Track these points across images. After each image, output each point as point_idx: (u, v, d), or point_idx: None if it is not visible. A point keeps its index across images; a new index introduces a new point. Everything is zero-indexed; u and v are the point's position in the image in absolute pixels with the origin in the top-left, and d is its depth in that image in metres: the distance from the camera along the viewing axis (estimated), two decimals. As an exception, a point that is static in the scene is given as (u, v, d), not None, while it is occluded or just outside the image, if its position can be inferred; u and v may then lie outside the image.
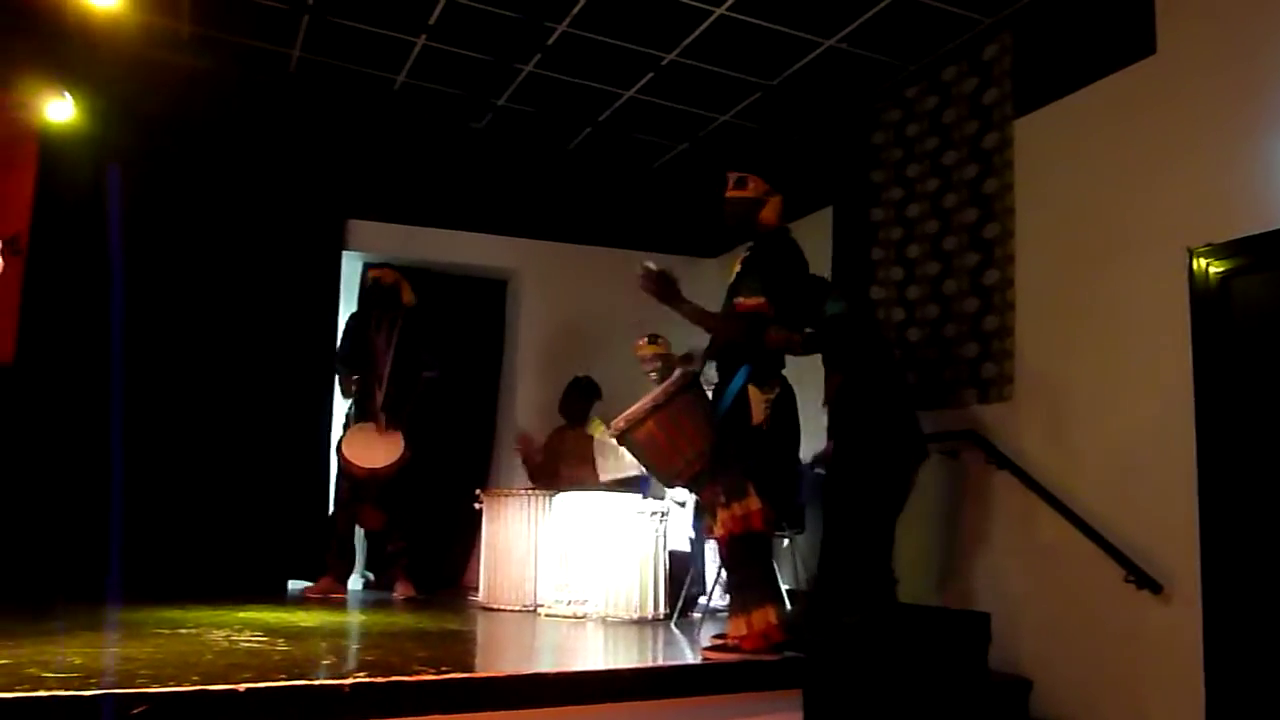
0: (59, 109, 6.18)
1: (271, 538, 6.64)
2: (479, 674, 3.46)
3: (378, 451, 6.25)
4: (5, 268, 6.15)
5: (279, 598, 6.14)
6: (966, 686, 5.17)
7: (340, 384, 6.59)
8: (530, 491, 5.92)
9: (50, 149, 6.33)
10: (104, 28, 5.76)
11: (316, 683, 3.06)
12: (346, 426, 6.48)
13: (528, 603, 5.62)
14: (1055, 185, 5.47)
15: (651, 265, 4.14)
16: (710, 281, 6.44)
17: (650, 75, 6.72)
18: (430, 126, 7.49)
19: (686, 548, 5.85)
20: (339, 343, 6.72)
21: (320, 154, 7.13)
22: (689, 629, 5.17)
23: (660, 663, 4.14)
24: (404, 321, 6.55)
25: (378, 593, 6.70)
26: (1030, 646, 5.23)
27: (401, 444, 6.28)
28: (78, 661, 3.35)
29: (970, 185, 5.96)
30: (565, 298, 7.74)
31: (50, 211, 6.35)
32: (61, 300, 6.28)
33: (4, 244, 6.21)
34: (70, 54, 6.16)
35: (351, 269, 7.35)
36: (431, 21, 6.17)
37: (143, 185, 6.49)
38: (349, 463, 6.22)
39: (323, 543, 6.44)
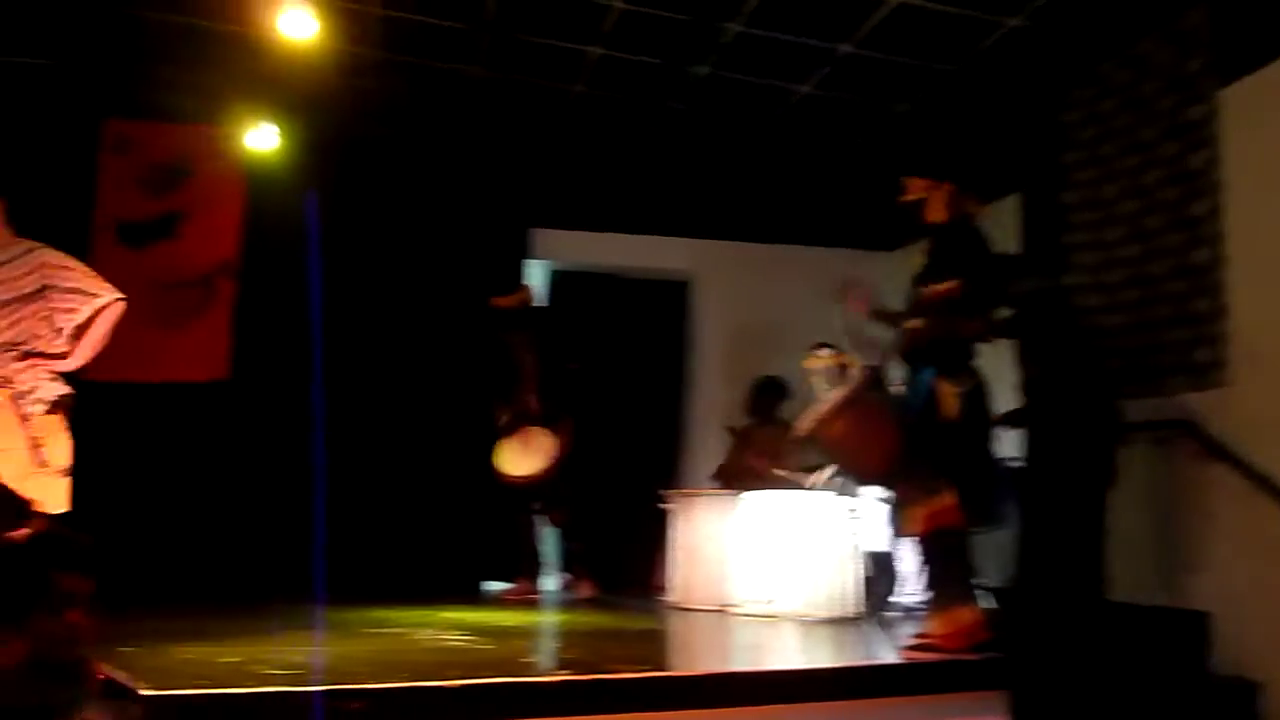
0: (263, 139, 6.56)
1: (465, 541, 6.83)
2: (677, 672, 3.48)
3: (528, 457, 6.31)
4: (219, 291, 6.58)
5: (476, 599, 6.32)
6: (1185, 689, 4.89)
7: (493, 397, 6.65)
8: (719, 491, 5.91)
9: (255, 178, 6.72)
10: (301, 59, 6.05)
11: (523, 680, 3.14)
12: (500, 435, 6.55)
13: (720, 602, 5.61)
14: (1270, 155, 5.12)
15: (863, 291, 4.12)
16: (893, 276, 6.30)
17: (826, 69, 6.63)
18: (608, 133, 7.58)
19: (884, 546, 5.72)
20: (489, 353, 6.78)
21: (503, 166, 7.32)
22: (887, 628, 5.07)
23: (859, 662, 4.07)
24: (536, 322, 6.61)
25: (569, 594, 6.81)
26: (1257, 647, 4.90)
27: (551, 444, 6.31)
28: (298, 659, 3.53)
29: (1171, 161, 5.64)
30: (747, 297, 7.71)
31: (257, 237, 6.74)
32: (269, 319, 6.63)
33: (218, 269, 6.65)
34: (272, 86, 6.49)
35: (536, 276, 7.50)
36: (606, 29, 6.26)
37: (337, 207, 6.78)
38: (502, 473, 6.33)
39: (512, 546, 6.58)
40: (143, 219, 6.63)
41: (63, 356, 4.20)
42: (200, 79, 6.50)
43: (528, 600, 6.27)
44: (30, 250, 4.24)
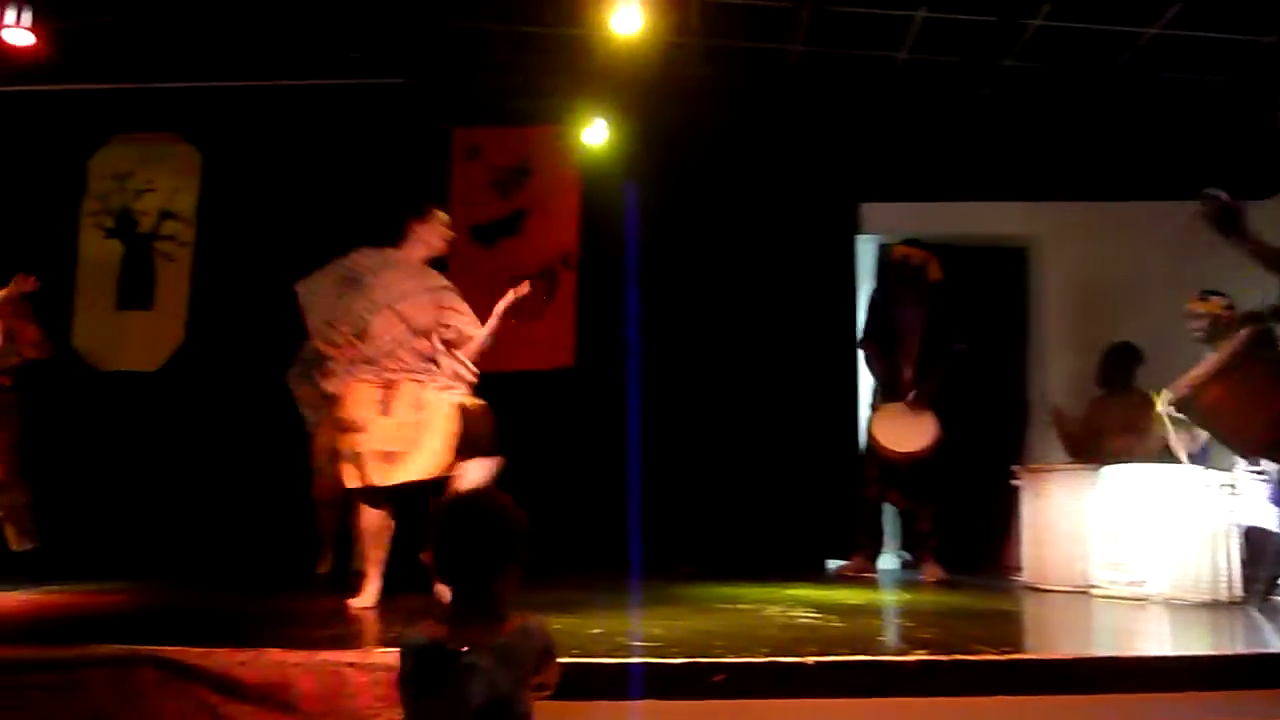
0: (595, 134, 6.85)
1: (806, 517, 6.85)
2: (1043, 655, 3.33)
3: (910, 434, 6.15)
4: (561, 282, 6.93)
5: (817, 575, 6.31)
6: None
7: (866, 361, 6.58)
8: (1073, 466, 5.60)
9: (589, 171, 7.03)
10: (628, 54, 6.25)
11: (881, 658, 3.10)
12: (874, 406, 6.49)
13: (1078, 583, 5.31)
14: None
15: (1216, 192, 3.71)
16: (1270, 225, 5.72)
17: (1178, 6, 6.10)
18: (936, 99, 7.32)
19: (1268, 523, 5.21)
20: (863, 321, 6.71)
21: (827, 142, 7.25)
22: (1272, 614, 4.62)
23: (1240, 650, 3.74)
24: (932, 298, 6.42)
25: (910, 573, 6.67)
26: None
27: (934, 426, 6.14)
28: (658, 632, 3.66)
29: None
30: (1094, 260, 7.23)
31: (593, 228, 7.05)
32: (607, 307, 6.91)
33: (559, 259, 7.01)
34: (602, 83, 6.75)
35: (865, 251, 7.39)
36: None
37: (666, 194, 6.98)
38: (881, 446, 6.20)
39: (853, 522, 6.52)
40: (492, 219, 7.11)
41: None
42: (538, 82, 6.87)
43: (864, 578, 6.20)
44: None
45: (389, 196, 6.83)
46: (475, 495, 2.41)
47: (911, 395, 6.23)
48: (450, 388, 4.59)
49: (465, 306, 4.71)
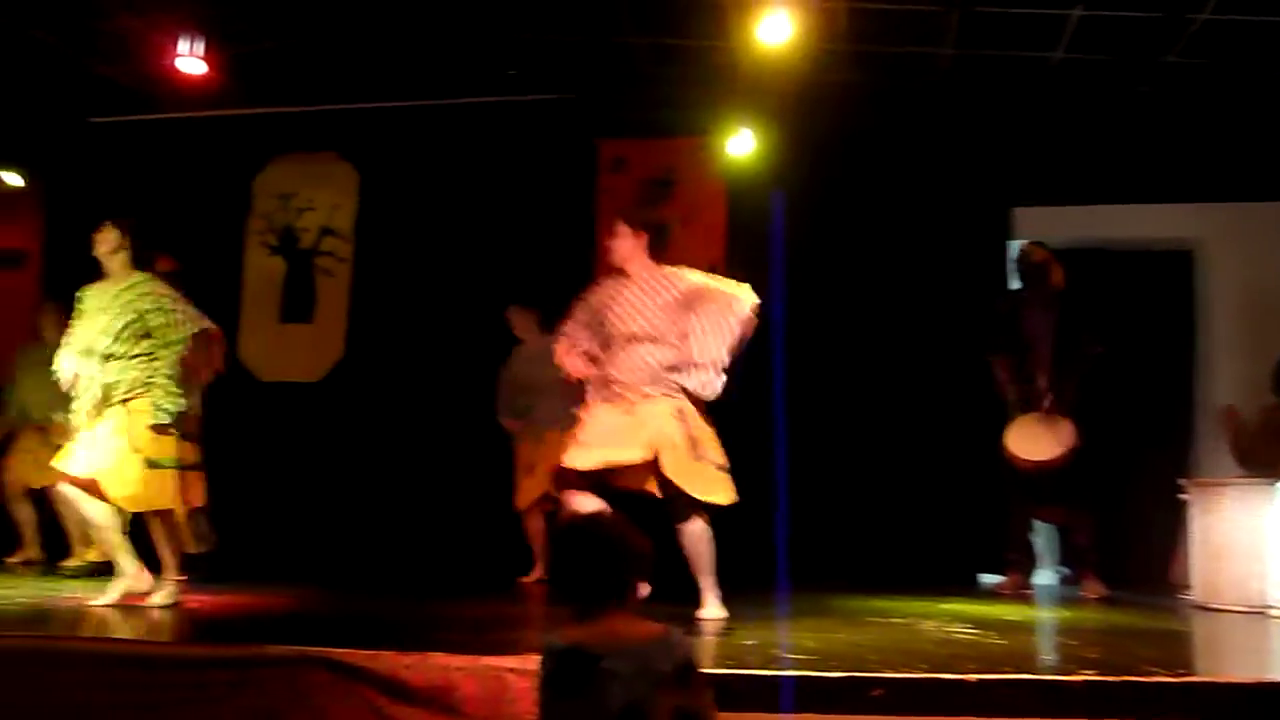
0: (741, 145, 6.85)
1: (957, 529, 6.69)
2: (1219, 678, 3.18)
3: (1044, 442, 5.94)
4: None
5: (970, 590, 6.17)
6: None
7: (995, 375, 6.36)
8: (1248, 480, 5.33)
9: (735, 182, 7.03)
10: (774, 63, 6.23)
11: (1046, 677, 3.01)
12: (1010, 416, 6.30)
13: (1254, 603, 5.05)
14: None
15: None
16: None
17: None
18: (1092, 99, 7.09)
19: None
20: (988, 332, 6.48)
21: (978, 146, 7.10)
22: None
23: None
24: (1062, 302, 6.19)
25: (1070, 589, 6.45)
26: None
27: (1070, 432, 5.92)
28: (811, 645, 3.63)
29: None
30: (1265, 261, 6.89)
31: (739, 238, 7.04)
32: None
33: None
34: (747, 93, 6.75)
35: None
36: (1089, -12, 5.88)
37: (811, 203, 6.91)
38: (1014, 456, 6.01)
39: (1002, 538, 6.34)
40: (640, 232, 7.14)
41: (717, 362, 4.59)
42: (683, 94, 6.92)
43: (1021, 595, 6.02)
44: (676, 271, 4.69)
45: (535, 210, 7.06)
46: (591, 519, 2.46)
47: (1047, 402, 6.02)
48: None
49: None
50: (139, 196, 7.32)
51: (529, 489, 6.24)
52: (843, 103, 7.00)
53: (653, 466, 4.37)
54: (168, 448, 4.68)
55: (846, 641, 3.80)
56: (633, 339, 4.53)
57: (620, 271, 4.75)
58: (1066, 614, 5.32)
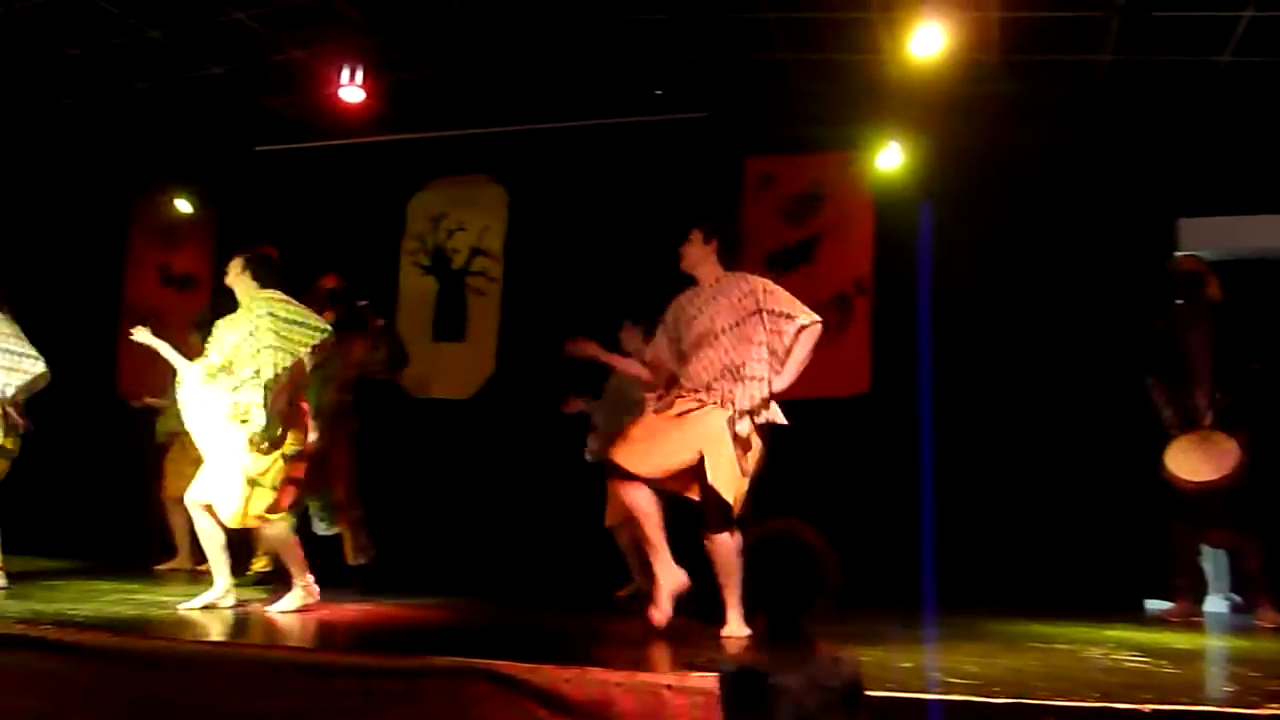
0: (889, 159, 6.77)
1: (1119, 554, 6.42)
2: None
3: (1206, 462, 5.63)
4: (856, 308, 6.87)
5: (1136, 616, 5.92)
6: None
7: (1151, 396, 6.07)
8: None
9: (883, 196, 6.94)
10: (922, 74, 6.14)
11: (1227, 710, 2.87)
12: (1170, 436, 6.02)
13: None
14: None
15: None
16: None
17: None
18: (1262, 104, 6.77)
19: None
20: (1144, 351, 6.19)
21: (1139, 155, 6.82)
22: None
23: None
24: (1219, 316, 5.89)
25: (1242, 617, 6.13)
26: None
27: (1234, 451, 5.61)
28: (973, 669, 3.54)
29: None
30: None
31: (888, 253, 6.95)
32: (902, 332, 6.78)
33: (852, 285, 6.95)
34: (895, 106, 6.67)
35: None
36: (1263, -13, 5.62)
37: (962, 216, 6.77)
38: (1175, 477, 5.73)
39: (1168, 563, 6.06)
40: (784, 247, 7.13)
41: (770, 379, 4.55)
42: (831, 109, 6.86)
43: (1190, 623, 5.74)
44: (744, 278, 4.70)
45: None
46: (787, 531, 2.45)
47: (1207, 420, 5.74)
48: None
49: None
50: (302, 220, 7.67)
51: (618, 506, 6.24)
52: (994, 113, 6.85)
53: (697, 472, 4.41)
54: (270, 467, 4.89)
55: (1008, 667, 3.69)
56: (695, 345, 4.61)
57: (693, 280, 4.85)
58: (1241, 643, 5.05)
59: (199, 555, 6.80)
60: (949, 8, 5.46)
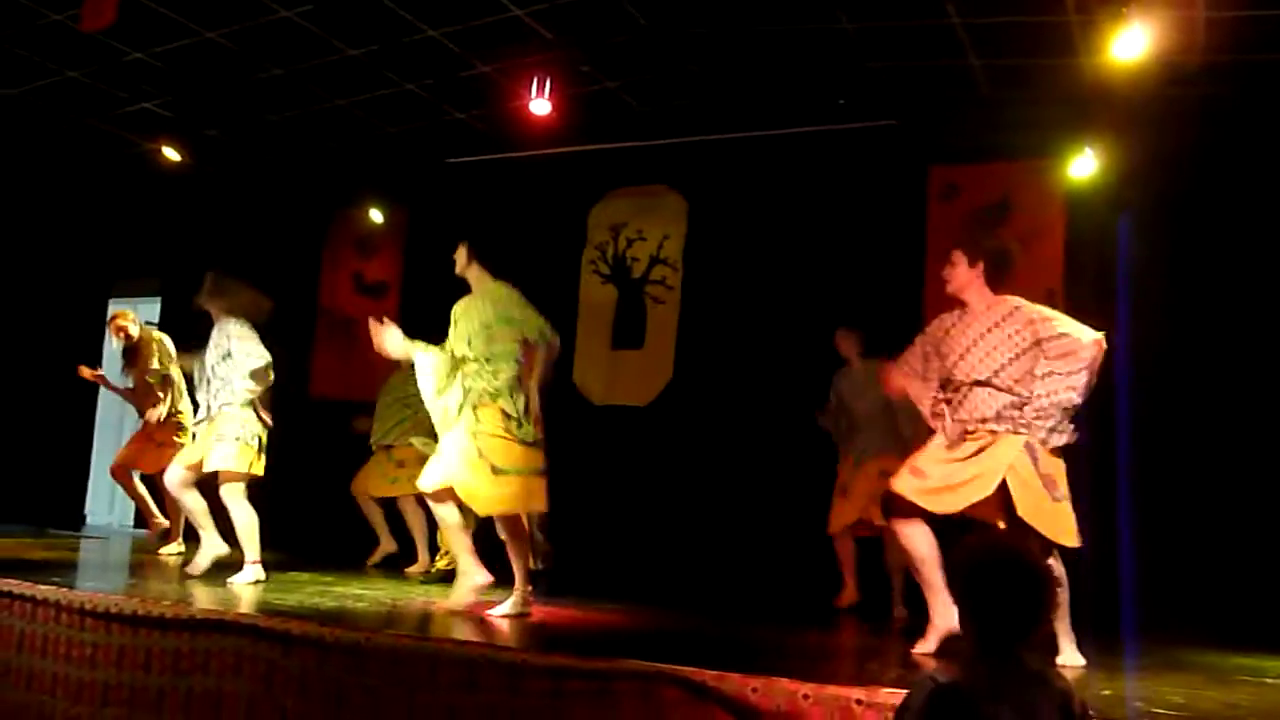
0: (1082, 167, 6.52)
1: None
2: None
3: None
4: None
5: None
6: None
7: None
8: None
9: (1076, 205, 6.69)
10: (1119, 77, 5.90)
11: None
12: None
13: None
14: None
15: None
16: None
17: None
18: None
19: None
20: None
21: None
22: None
23: None
24: None
25: None
26: None
27: None
28: (1178, 700, 3.39)
29: None
30: None
31: (1079, 263, 6.69)
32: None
33: (1044, 299, 6.70)
34: (1089, 111, 6.43)
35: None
36: None
37: (1160, 225, 6.48)
38: None
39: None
40: (971, 258, 6.92)
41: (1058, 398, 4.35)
42: (1020, 115, 6.65)
43: None
44: (1017, 307, 4.51)
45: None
46: (1006, 549, 2.37)
47: None
48: None
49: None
50: (487, 230, 7.86)
51: (841, 513, 6.24)
52: (1196, 117, 6.52)
53: (1001, 501, 4.22)
54: (513, 455, 4.90)
55: (1218, 700, 3.52)
56: (976, 381, 4.38)
57: (959, 303, 4.62)
58: None
59: (398, 541, 7.18)
60: (1156, 8, 5.23)
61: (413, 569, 6.92)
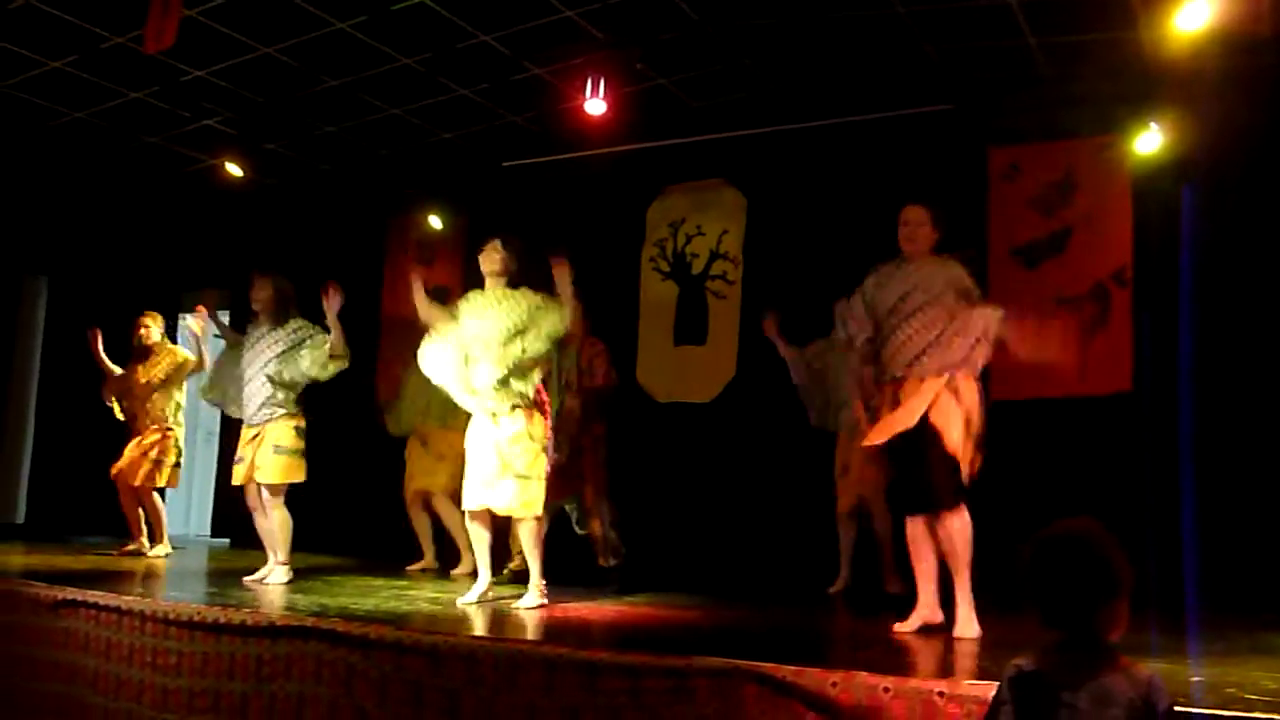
0: (1148, 142, 6.39)
1: None
2: None
3: None
4: (1115, 301, 6.52)
5: None
6: None
7: None
8: None
9: (1142, 181, 6.55)
10: (1183, 50, 5.77)
11: None
12: None
13: None
14: None
15: None
16: None
17: None
18: None
19: None
20: None
21: None
22: None
23: None
24: None
25: None
26: None
27: None
28: (1271, 685, 3.31)
29: None
30: None
31: (1148, 241, 6.55)
32: (1164, 326, 6.38)
33: (1110, 277, 6.60)
34: (1153, 85, 6.29)
35: None
36: None
37: (1229, 200, 6.32)
38: None
39: None
40: (1034, 239, 6.82)
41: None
42: (1081, 92, 6.54)
43: None
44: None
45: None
46: (1074, 529, 2.33)
47: None
48: None
49: None
50: (546, 230, 7.90)
51: (842, 492, 6.26)
52: (1264, 91, 6.36)
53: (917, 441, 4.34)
54: (532, 459, 5.05)
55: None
56: (898, 322, 4.61)
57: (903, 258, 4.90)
58: None
59: (446, 556, 7.19)
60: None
61: (458, 570, 6.89)
